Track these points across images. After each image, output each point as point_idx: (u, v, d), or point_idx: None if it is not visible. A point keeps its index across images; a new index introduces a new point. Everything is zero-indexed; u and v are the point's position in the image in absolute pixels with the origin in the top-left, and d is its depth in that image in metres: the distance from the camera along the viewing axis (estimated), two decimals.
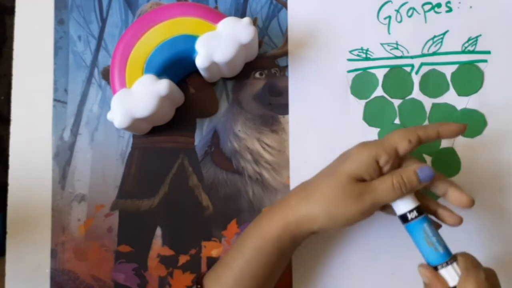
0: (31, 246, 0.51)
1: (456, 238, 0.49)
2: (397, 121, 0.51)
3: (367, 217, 0.41)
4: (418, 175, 0.39)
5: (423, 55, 0.51)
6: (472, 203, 0.40)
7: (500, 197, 0.49)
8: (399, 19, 0.52)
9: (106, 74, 0.53)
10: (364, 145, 0.41)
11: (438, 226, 0.42)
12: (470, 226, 0.49)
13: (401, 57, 0.51)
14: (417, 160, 0.41)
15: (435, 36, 0.51)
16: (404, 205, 0.40)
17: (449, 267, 0.38)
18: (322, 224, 0.40)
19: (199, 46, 0.46)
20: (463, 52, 0.51)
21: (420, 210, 0.40)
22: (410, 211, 0.39)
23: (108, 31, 0.54)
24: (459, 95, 0.50)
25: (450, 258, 0.39)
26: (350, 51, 0.52)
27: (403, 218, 0.40)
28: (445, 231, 0.41)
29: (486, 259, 0.48)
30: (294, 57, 0.52)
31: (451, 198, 0.41)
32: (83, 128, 0.53)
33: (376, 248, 0.49)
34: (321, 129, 0.51)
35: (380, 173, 0.40)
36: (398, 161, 0.41)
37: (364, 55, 0.51)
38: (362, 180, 0.40)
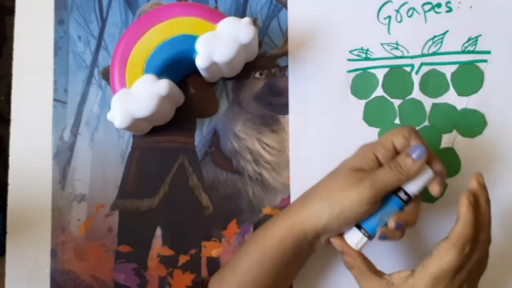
0: (31, 246, 0.51)
1: None
2: (397, 121, 0.51)
3: (370, 210, 0.40)
4: (411, 155, 0.40)
5: (423, 55, 0.51)
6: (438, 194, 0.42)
7: (500, 196, 0.49)
8: (399, 19, 0.52)
9: (106, 74, 0.53)
10: (364, 143, 0.42)
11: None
12: None
13: (401, 57, 0.51)
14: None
15: (435, 36, 0.51)
16: (409, 184, 0.41)
17: (365, 238, 0.42)
18: (326, 219, 0.40)
19: (199, 46, 0.46)
20: (463, 52, 0.51)
21: (406, 198, 0.41)
22: (405, 192, 0.41)
23: (108, 31, 0.54)
24: (459, 95, 0.50)
25: (372, 236, 0.42)
26: (350, 51, 0.52)
27: (397, 189, 0.41)
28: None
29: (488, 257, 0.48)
30: (294, 57, 0.52)
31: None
32: (83, 128, 0.53)
33: (375, 256, 0.48)
34: (321, 129, 0.51)
35: (380, 165, 0.41)
36: (394, 155, 0.42)
37: (364, 55, 0.51)
38: (362, 170, 0.41)
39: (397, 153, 0.41)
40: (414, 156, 0.40)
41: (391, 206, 0.41)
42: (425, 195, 0.49)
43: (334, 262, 0.49)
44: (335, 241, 0.42)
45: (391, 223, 0.40)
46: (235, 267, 0.43)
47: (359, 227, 0.42)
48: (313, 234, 0.41)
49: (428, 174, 0.41)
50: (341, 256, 0.43)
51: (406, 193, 0.41)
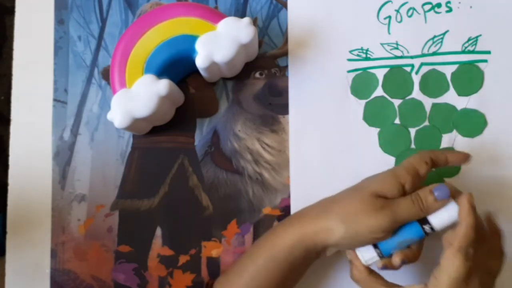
0: (31, 246, 0.51)
1: None
2: (397, 121, 0.51)
3: (384, 237, 0.41)
4: (434, 193, 0.40)
5: (423, 55, 0.51)
6: (469, 156, 0.44)
7: (499, 196, 0.49)
8: (399, 19, 0.52)
9: (106, 74, 0.53)
10: (389, 168, 0.42)
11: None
12: None
13: (401, 57, 0.51)
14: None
15: (435, 36, 0.51)
16: (436, 220, 0.41)
17: (377, 257, 0.42)
18: (339, 237, 0.40)
19: (199, 46, 0.46)
20: (463, 52, 0.51)
21: (430, 232, 0.41)
22: (430, 226, 0.41)
23: (108, 31, 0.54)
24: (459, 95, 0.50)
25: (386, 257, 0.42)
26: (350, 51, 0.52)
27: (424, 220, 0.41)
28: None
29: None
30: (294, 57, 0.52)
31: (453, 162, 0.43)
32: (83, 128, 0.53)
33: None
34: (321, 129, 0.51)
35: (403, 193, 0.41)
36: (419, 182, 0.42)
37: (364, 55, 0.51)
38: (384, 197, 0.41)
39: (419, 179, 0.42)
40: (436, 194, 0.40)
41: (413, 235, 0.41)
42: None
43: (336, 268, 0.49)
44: (349, 251, 0.43)
45: (396, 260, 0.41)
46: (241, 271, 0.43)
47: (375, 245, 0.42)
48: (323, 246, 0.42)
49: (455, 216, 0.41)
50: (346, 264, 0.44)
51: (432, 227, 0.41)
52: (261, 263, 0.42)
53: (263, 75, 0.52)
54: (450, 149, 0.50)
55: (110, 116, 0.47)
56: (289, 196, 0.50)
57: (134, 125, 0.47)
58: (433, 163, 0.43)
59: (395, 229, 0.41)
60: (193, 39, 0.47)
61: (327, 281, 0.50)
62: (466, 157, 0.44)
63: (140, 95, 0.46)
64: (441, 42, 0.51)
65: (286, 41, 0.52)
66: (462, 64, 0.50)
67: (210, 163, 0.52)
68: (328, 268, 0.49)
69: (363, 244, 0.41)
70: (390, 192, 0.41)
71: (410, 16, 0.51)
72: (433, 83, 0.50)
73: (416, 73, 0.51)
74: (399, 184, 0.41)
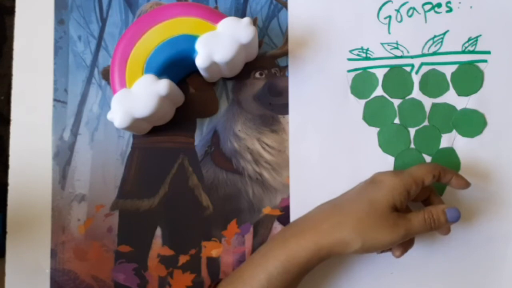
0: (31, 246, 0.51)
1: (455, 237, 0.49)
2: (396, 121, 0.51)
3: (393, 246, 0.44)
4: (447, 215, 0.43)
5: (423, 55, 0.51)
6: (469, 185, 0.46)
7: (499, 196, 0.49)
8: (399, 18, 0.52)
9: (106, 74, 0.53)
10: (397, 175, 0.44)
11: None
12: (469, 225, 0.49)
13: (401, 57, 0.51)
14: (440, 198, 0.47)
15: (435, 36, 0.51)
16: None
17: None
18: (355, 250, 0.42)
19: (199, 46, 0.46)
20: (463, 52, 0.51)
21: None
22: None
23: (108, 31, 0.54)
24: (459, 95, 0.50)
25: None
26: (350, 51, 0.52)
27: None
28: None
29: (483, 256, 0.49)
30: (294, 57, 0.52)
31: (453, 184, 0.46)
32: (83, 128, 0.53)
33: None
34: (321, 129, 0.51)
35: (408, 200, 0.44)
36: (420, 190, 0.44)
37: (364, 55, 0.51)
38: (395, 208, 0.43)
39: (422, 187, 0.44)
40: (449, 216, 0.43)
41: None
42: None
43: (337, 267, 0.49)
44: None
45: (397, 254, 0.45)
46: (250, 281, 0.43)
47: None
48: (336, 255, 0.43)
49: None
50: (346, 264, 0.47)
51: None
52: (275, 275, 0.42)
53: (263, 75, 0.52)
54: (450, 149, 0.50)
55: (110, 116, 0.47)
56: (289, 196, 0.50)
57: (134, 125, 0.47)
58: (439, 177, 0.44)
59: (403, 241, 0.43)
60: (193, 39, 0.47)
61: (327, 280, 0.50)
62: (466, 185, 0.46)
63: (140, 95, 0.46)
64: (441, 42, 0.51)
65: (286, 41, 0.52)
66: (462, 64, 0.50)
67: (210, 163, 0.52)
68: (329, 267, 0.49)
69: (374, 250, 0.43)
70: (399, 202, 0.43)
71: (410, 16, 0.51)
72: (433, 83, 0.50)
73: (416, 73, 0.51)
74: (407, 193, 0.43)
